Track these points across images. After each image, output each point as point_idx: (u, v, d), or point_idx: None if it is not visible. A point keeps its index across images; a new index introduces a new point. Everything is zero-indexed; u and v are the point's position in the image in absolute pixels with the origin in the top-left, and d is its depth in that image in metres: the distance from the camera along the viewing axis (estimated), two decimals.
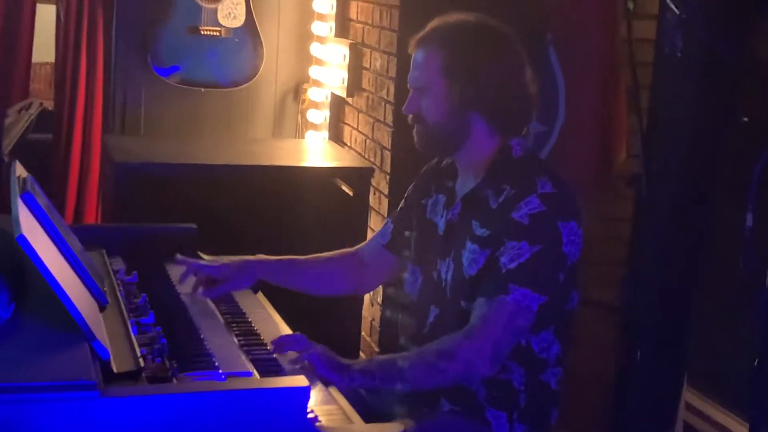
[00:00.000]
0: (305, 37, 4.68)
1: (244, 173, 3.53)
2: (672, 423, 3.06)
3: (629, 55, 3.25)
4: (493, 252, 2.15)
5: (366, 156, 3.90)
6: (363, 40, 4.04)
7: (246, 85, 4.61)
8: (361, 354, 3.82)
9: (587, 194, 3.46)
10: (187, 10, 4.41)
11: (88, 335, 1.70)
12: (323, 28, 4.50)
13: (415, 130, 2.30)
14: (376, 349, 3.73)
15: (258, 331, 2.31)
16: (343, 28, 4.30)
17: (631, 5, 3.41)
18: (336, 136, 4.37)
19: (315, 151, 4.25)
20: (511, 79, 2.19)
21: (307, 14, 4.65)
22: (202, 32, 4.43)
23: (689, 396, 3.40)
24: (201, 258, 2.64)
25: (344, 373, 2.10)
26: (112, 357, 1.76)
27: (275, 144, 4.31)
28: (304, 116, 4.65)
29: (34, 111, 3.67)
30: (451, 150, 2.29)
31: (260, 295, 2.64)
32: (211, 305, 2.35)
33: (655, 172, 3.04)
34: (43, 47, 5.26)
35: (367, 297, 3.82)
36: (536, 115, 3.51)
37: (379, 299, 3.60)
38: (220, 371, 1.85)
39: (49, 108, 4.73)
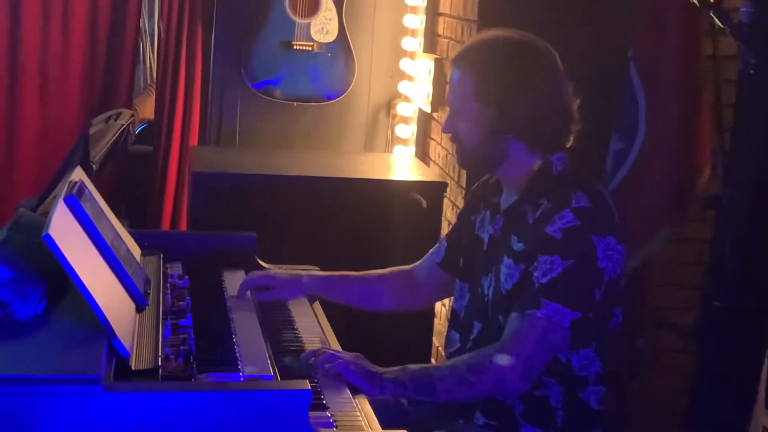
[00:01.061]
0: (398, 52, 4.74)
1: (317, 184, 3.60)
2: None
3: (714, 72, 3.19)
4: (527, 267, 2.16)
5: (446, 171, 3.93)
6: (447, 55, 4.07)
7: (338, 99, 4.69)
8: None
9: (666, 214, 3.42)
10: (281, 25, 4.52)
11: (109, 333, 1.79)
12: (413, 43, 4.56)
13: (455, 148, 2.34)
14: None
15: (301, 339, 2.37)
16: (431, 44, 4.35)
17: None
18: (422, 150, 4.41)
19: (394, 165, 4.30)
20: (546, 98, 2.19)
21: (399, 30, 4.71)
22: (294, 47, 4.53)
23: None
24: (260, 266, 2.73)
25: (375, 381, 2.13)
26: (133, 355, 1.84)
27: (356, 158, 4.38)
28: (393, 131, 4.70)
29: (125, 121, 3.82)
30: (490, 169, 2.32)
31: (316, 305, 2.70)
32: (257, 311, 2.41)
33: (734, 194, 2.97)
34: None
35: (442, 310, 3.85)
36: (615, 133, 3.49)
37: None
38: (241, 373, 1.91)
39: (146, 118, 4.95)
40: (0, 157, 4.75)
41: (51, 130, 4.78)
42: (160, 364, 1.83)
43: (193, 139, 4.81)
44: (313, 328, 2.49)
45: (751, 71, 2.84)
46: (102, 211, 2.28)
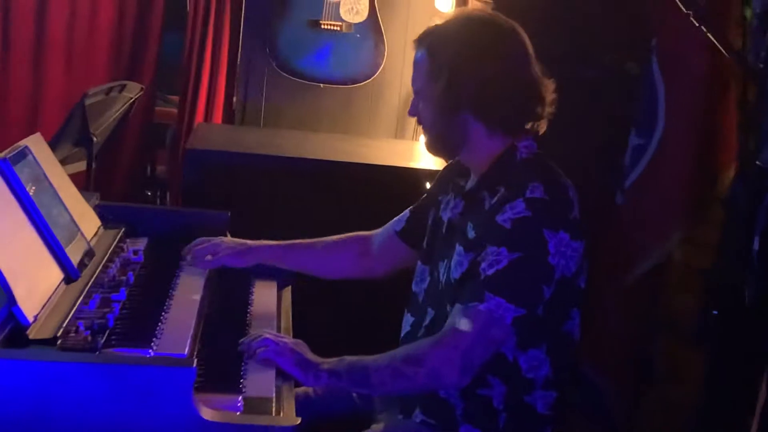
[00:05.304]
0: None
1: (316, 167, 3.58)
2: None
3: (742, 68, 3.09)
4: (475, 256, 2.12)
5: None
6: None
7: (367, 82, 4.67)
8: None
9: (682, 215, 3.33)
10: (309, 3, 4.52)
11: (9, 299, 1.80)
12: None
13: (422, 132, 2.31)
14: None
15: (248, 323, 2.37)
16: None
17: (748, 13, 3.24)
18: None
19: (409, 152, 4.25)
20: (500, 74, 2.14)
21: (434, 14, 4.67)
22: (322, 26, 4.52)
23: None
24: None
25: (309, 370, 2.12)
26: (38, 324, 1.86)
27: (373, 143, 4.35)
28: None
29: (133, 94, 3.86)
30: (453, 152, 2.29)
31: (287, 291, 2.69)
32: (207, 292, 2.41)
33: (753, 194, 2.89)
34: None
35: None
36: (634, 128, 3.41)
37: None
38: (153, 350, 1.91)
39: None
40: (24, 127, 4.84)
41: (75, 101, 4.85)
42: (59, 334, 1.84)
43: (217, 118, 4.86)
44: (268, 313, 2.48)
45: (762, 65, 2.77)
46: (46, 178, 2.31)
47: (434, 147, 2.30)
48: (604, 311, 3.42)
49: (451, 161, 2.45)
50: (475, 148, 2.22)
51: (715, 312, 2.94)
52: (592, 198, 3.36)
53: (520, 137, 2.21)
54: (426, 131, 2.27)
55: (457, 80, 2.13)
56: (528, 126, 2.21)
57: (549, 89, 2.21)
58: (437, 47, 2.17)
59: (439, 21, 2.26)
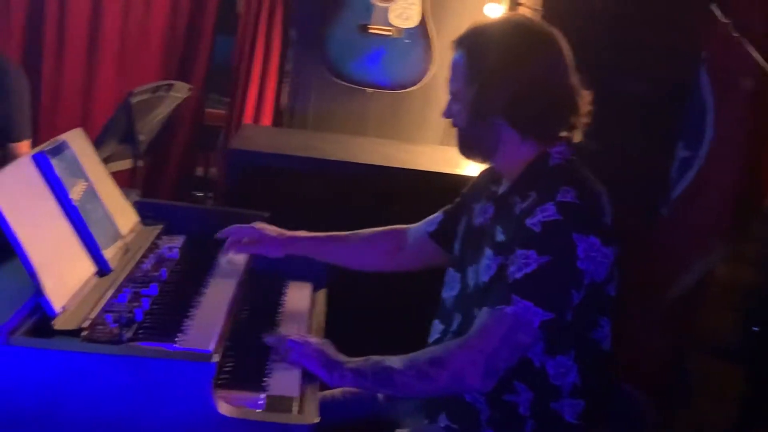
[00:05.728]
0: None
1: (355, 171, 3.59)
2: None
3: None
4: (504, 260, 2.12)
5: None
6: None
7: (415, 88, 4.67)
8: None
9: (727, 229, 3.29)
10: (360, 7, 4.54)
11: (36, 290, 1.84)
12: None
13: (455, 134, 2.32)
14: None
15: (278, 322, 2.39)
16: None
17: None
18: None
19: (452, 159, 4.23)
20: (537, 83, 2.14)
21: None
22: (371, 31, 4.53)
23: None
24: None
25: (335, 371, 2.12)
26: (64, 315, 1.89)
27: (416, 149, 4.33)
28: None
29: (182, 94, 3.91)
30: (485, 155, 2.29)
31: (321, 293, 2.70)
32: (239, 290, 2.42)
33: None
34: None
35: None
36: (682, 140, 3.37)
37: None
38: (177, 344, 1.93)
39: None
40: (75, 126, 4.90)
41: None
42: (86, 326, 1.86)
43: (266, 120, 4.90)
44: (300, 314, 2.50)
45: None
46: (84, 173, 2.34)
47: (467, 150, 2.30)
48: (643, 325, 3.40)
49: (485, 169, 2.46)
50: (507, 153, 2.22)
51: (755, 328, 2.91)
52: (636, 210, 3.35)
53: (553, 143, 2.21)
54: (459, 134, 2.28)
55: (493, 85, 2.13)
56: (561, 134, 2.21)
57: (585, 100, 2.20)
58: (476, 51, 2.17)
59: (475, 24, 2.26)
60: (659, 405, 3.26)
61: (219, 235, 2.58)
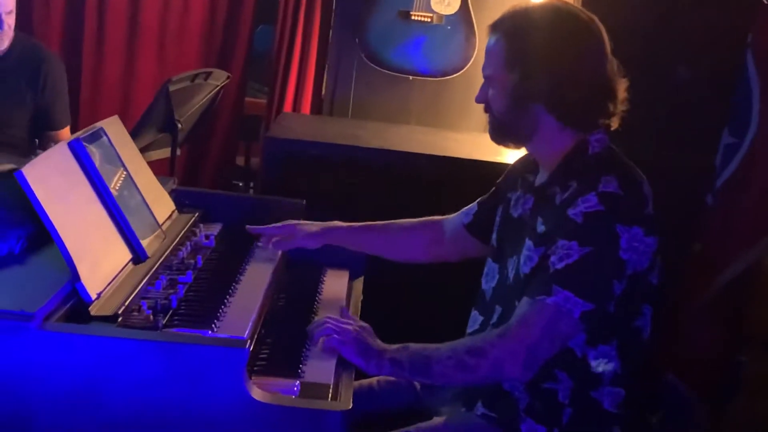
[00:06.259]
0: None
1: (393, 158, 3.58)
2: None
3: None
4: (546, 250, 2.09)
5: None
6: None
7: (457, 75, 4.64)
8: None
9: None
10: None
11: (73, 276, 1.84)
12: None
13: (488, 120, 2.29)
14: None
15: (315, 311, 2.39)
16: None
17: None
18: None
19: (493, 147, 4.21)
20: (576, 67, 2.11)
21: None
22: (412, 17, 4.51)
23: None
24: None
25: (372, 359, 2.11)
26: (100, 302, 1.90)
27: (458, 136, 4.29)
28: None
29: (220, 82, 3.91)
30: (519, 142, 2.27)
31: (359, 282, 2.70)
32: (275, 278, 2.42)
33: None
34: None
35: None
36: (727, 126, 3.32)
37: None
38: (213, 331, 1.94)
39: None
40: (115, 112, 4.94)
41: None
42: (121, 312, 1.87)
43: (305, 109, 4.90)
44: (337, 301, 2.50)
45: None
46: (120, 160, 2.35)
47: (500, 136, 2.28)
48: (691, 317, 3.35)
49: (519, 158, 2.43)
50: (545, 140, 2.20)
51: None
52: (682, 201, 3.31)
53: (592, 131, 2.18)
54: (493, 119, 2.25)
55: (533, 72, 2.11)
56: (600, 121, 2.18)
57: (622, 87, 2.17)
58: (514, 36, 2.14)
59: (513, 8, 2.23)
60: (707, 398, 3.23)
61: (251, 230, 2.57)
